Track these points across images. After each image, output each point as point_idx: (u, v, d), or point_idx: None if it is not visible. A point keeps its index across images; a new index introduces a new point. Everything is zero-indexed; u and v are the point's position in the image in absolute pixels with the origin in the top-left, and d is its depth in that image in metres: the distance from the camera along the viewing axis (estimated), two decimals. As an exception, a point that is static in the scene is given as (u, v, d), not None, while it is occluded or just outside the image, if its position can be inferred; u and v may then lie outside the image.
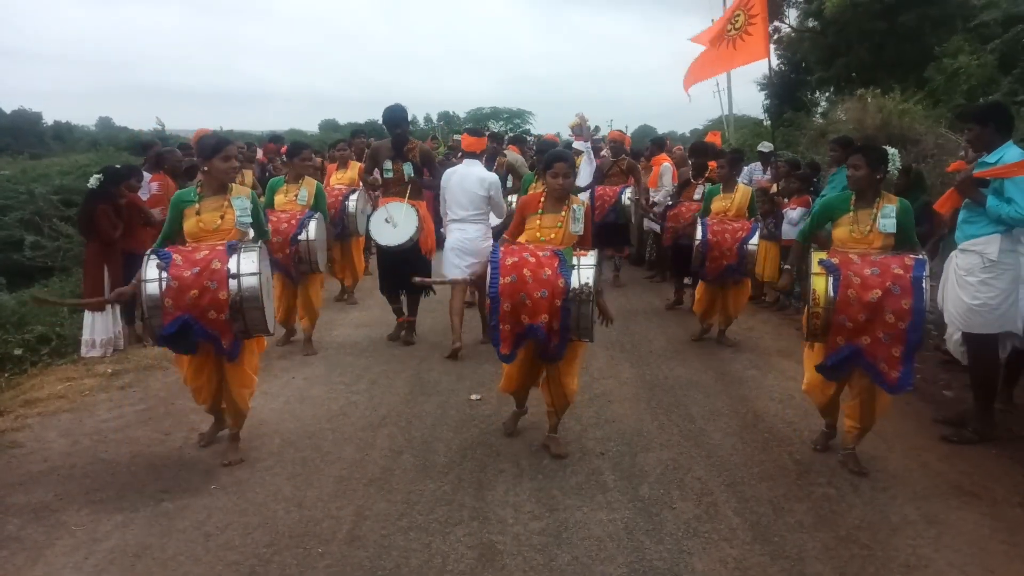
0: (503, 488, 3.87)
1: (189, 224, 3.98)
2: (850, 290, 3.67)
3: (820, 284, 3.78)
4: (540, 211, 4.12)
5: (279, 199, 6.14)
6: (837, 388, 4.07)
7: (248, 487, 3.88)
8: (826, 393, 4.11)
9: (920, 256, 3.75)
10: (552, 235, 4.07)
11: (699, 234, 6.21)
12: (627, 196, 8.70)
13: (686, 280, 7.86)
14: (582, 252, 3.98)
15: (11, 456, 4.28)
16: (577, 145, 10.57)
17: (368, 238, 8.35)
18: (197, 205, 4.00)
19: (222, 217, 4.00)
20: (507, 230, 4.34)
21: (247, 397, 4.17)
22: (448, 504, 3.70)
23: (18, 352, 6.05)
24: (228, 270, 3.73)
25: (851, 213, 4.02)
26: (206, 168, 4.09)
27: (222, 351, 3.85)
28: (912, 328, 3.58)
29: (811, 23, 18.72)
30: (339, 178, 8.31)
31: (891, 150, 4.23)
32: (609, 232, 8.92)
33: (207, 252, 3.79)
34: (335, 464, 4.15)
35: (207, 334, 3.76)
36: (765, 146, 9.61)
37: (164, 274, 3.68)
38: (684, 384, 5.50)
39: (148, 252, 3.80)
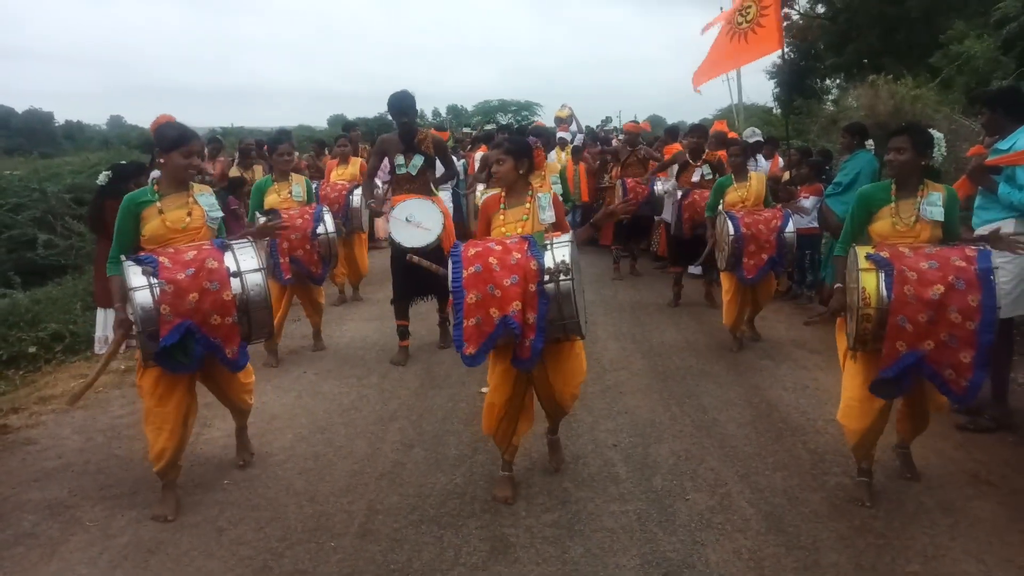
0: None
1: (152, 226, 3.51)
2: (907, 286, 3.17)
3: (870, 281, 3.27)
4: (502, 206, 3.79)
5: (271, 199, 5.87)
6: (880, 414, 3.51)
7: (260, 482, 3.89)
8: (867, 417, 3.51)
9: (982, 247, 3.30)
10: (519, 229, 3.67)
11: (731, 229, 5.69)
12: (659, 187, 8.64)
13: (692, 270, 7.81)
14: (555, 234, 3.58)
15: (26, 453, 4.32)
16: (563, 135, 10.60)
17: (372, 236, 8.37)
18: (158, 204, 3.53)
19: (189, 214, 3.58)
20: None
21: (247, 398, 3.98)
22: (460, 497, 3.70)
23: (32, 350, 6.11)
24: (228, 268, 3.40)
25: (892, 204, 3.55)
26: (162, 160, 3.62)
27: (226, 362, 3.47)
28: (984, 328, 3.11)
29: (820, 9, 18.53)
30: (340, 174, 8.24)
31: (937, 134, 3.78)
32: (638, 224, 8.90)
33: (196, 252, 3.41)
34: (347, 458, 4.16)
35: (210, 343, 3.37)
36: (753, 133, 9.12)
37: (153, 280, 3.25)
38: (696, 374, 5.47)
39: (121, 259, 3.36)
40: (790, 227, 5.75)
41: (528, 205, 3.75)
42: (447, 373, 5.57)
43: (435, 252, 5.52)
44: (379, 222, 8.05)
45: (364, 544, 3.30)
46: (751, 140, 8.15)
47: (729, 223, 5.77)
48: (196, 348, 3.35)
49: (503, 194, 3.83)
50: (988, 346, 3.14)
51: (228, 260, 3.44)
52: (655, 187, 8.59)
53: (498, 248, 3.45)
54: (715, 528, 3.38)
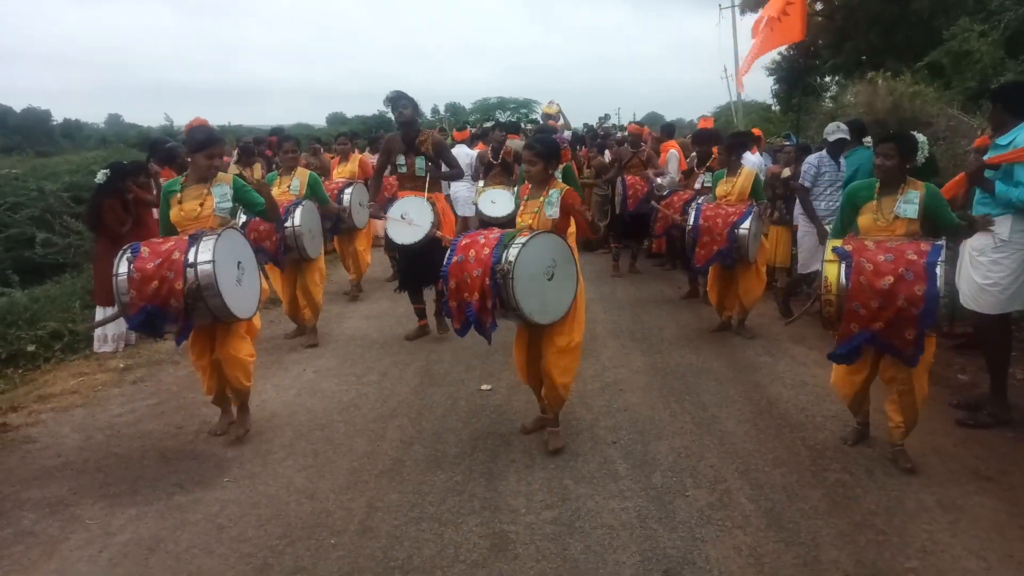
0: (514, 478, 3.86)
1: (173, 213, 4.08)
2: (862, 277, 3.60)
3: (832, 271, 3.72)
4: (526, 197, 4.19)
5: (273, 192, 6.15)
6: (865, 380, 3.98)
7: (260, 479, 3.89)
8: (853, 384, 4.01)
9: (938, 241, 3.66)
10: (530, 220, 4.08)
11: (691, 219, 6.17)
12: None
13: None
14: (524, 232, 3.96)
15: (25, 451, 4.31)
16: None
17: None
18: (179, 194, 4.10)
19: (201, 205, 4.07)
20: None
21: (241, 378, 4.24)
22: (459, 494, 3.70)
23: (31, 348, 6.09)
24: (186, 259, 3.79)
25: (875, 201, 3.94)
26: (189, 160, 4.20)
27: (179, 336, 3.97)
28: (925, 313, 3.51)
29: (819, 7, 18.53)
30: (340, 172, 8.33)
31: (921, 137, 4.11)
32: (639, 222, 8.92)
33: (172, 243, 3.88)
34: (347, 456, 4.15)
35: (174, 321, 3.84)
36: (837, 129, 6.60)
37: (132, 267, 3.78)
38: (696, 371, 5.47)
39: (124, 248, 3.88)
40: (746, 224, 5.91)
41: (543, 199, 4.08)
42: (447, 371, 5.57)
43: (435, 244, 5.58)
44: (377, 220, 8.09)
45: (364, 541, 3.30)
46: (832, 138, 6.52)
47: (691, 214, 6.22)
48: (159, 326, 3.89)
49: (529, 187, 4.23)
50: (929, 327, 3.58)
51: (191, 252, 3.82)
52: (653, 186, 8.60)
53: (481, 241, 3.92)
54: (715, 524, 3.38)
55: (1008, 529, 3.29)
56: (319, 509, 3.58)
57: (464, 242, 3.97)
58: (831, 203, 6.36)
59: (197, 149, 4.09)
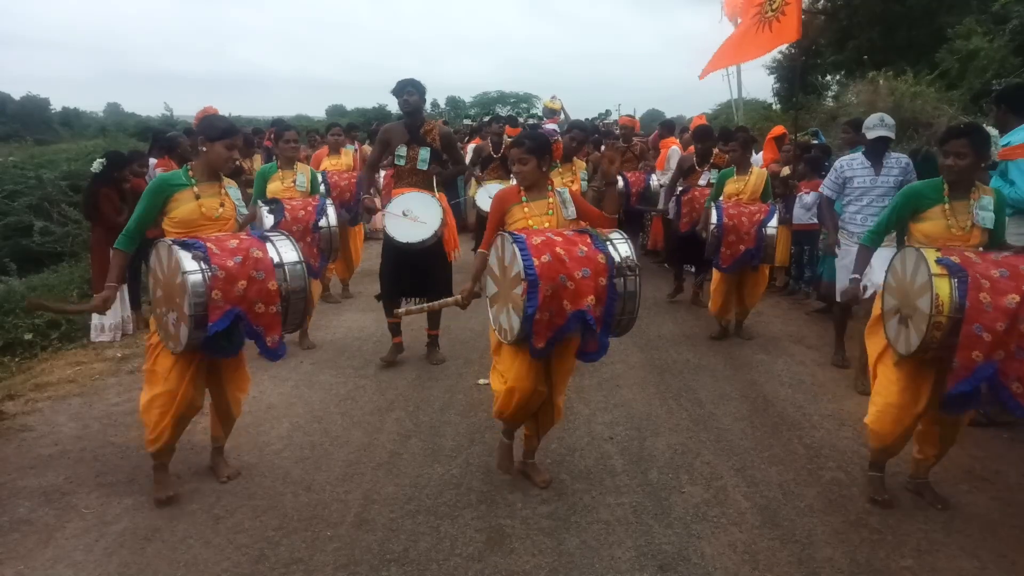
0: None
1: (186, 210, 3.50)
2: (982, 294, 2.98)
3: (944, 287, 3.04)
4: (524, 198, 3.68)
5: (274, 187, 5.83)
6: (915, 420, 3.36)
7: (257, 471, 3.89)
8: (903, 423, 3.34)
9: None
10: (545, 223, 3.61)
11: (714, 218, 5.92)
12: (655, 181, 8.61)
13: (688, 267, 7.78)
14: (607, 230, 3.56)
15: (22, 440, 4.31)
16: (551, 127, 10.56)
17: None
18: (195, 189, 3.56)
19: (222, 204, 3.62)
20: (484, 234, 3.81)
21: (241, 402, 3.87)
22: (456, 488, 3.70)
23: (28, 337, 6.09)
24: (272, 259, 3.43)
25: (945, 205, 3.39)
26: (204, 149, 3.66)
27: (266, 351, 3.44)
28: None
29: (822, 5, 18.51)
30: (333, 164, 7.90)
31: (993, 131, 3.69)
32: (631, 218, 8.89)
33: (238, 241, 3.43)
34: (343, 448, 4.16)
35: (253, 331, 3.38)
36: (882, 121, 5.17)
37: (204, 265, 3.24)
38: (693, 368, 5.48)
39: (169, 243, 3.34)
40: (773, 222, 5.84)
41: (551, 199, 3.68)
42: (444, 365, 5.57)
43: (436, 250, 5.36)
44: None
45: (360, 533, 3.31)
46: (872, 135, 5.19)
47: (714, 212, 5.99)
48: (240, 335, 3.40)
49: (521, 187, 3.73)
50: None
51: (270, 251, 3.47)
52: (651, 181, 8.60)
53: (559, 239, 3.36)
54: (710, 521, 3.39)
55: (1002, 528, 3.31)
56: (315, 501, 3.58)
57: (537, 240, 3.32)
58: (868, 216, 5.04)
59: (218, 137, 3.59)
